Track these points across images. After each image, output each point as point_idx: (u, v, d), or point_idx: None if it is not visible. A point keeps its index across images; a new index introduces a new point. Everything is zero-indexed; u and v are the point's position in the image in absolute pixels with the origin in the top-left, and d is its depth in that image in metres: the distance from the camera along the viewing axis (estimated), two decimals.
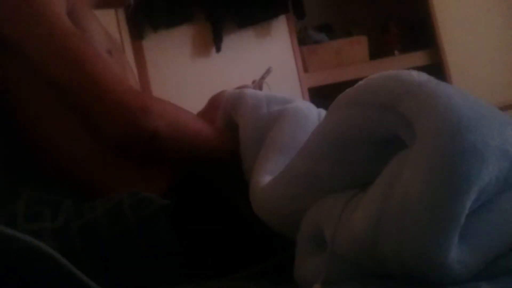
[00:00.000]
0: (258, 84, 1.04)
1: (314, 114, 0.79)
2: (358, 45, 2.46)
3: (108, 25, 1.89)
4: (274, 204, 0.59)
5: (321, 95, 1.93)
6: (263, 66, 1.10)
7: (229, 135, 0.84)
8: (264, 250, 0.67)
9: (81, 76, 0.72)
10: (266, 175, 0.67)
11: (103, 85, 0.72)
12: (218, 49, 2.32)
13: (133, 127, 0.72)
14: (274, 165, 0.69)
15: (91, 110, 0.73)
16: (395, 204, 0.41)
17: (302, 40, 2.48)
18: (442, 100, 0.42)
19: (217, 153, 0.82)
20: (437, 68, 2.41)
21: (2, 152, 0.79)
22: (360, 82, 0.50)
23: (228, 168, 0.81)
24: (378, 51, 2.55)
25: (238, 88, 1.02)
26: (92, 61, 0.73)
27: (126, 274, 0.67)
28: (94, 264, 0.63)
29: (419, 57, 2.45)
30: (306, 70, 2.39)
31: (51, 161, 0.80)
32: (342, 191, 0.52)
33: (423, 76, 0.46)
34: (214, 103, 0.96)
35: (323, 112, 0.81)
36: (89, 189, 0.78)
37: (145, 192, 0.70)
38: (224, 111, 0.87)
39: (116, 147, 0.76)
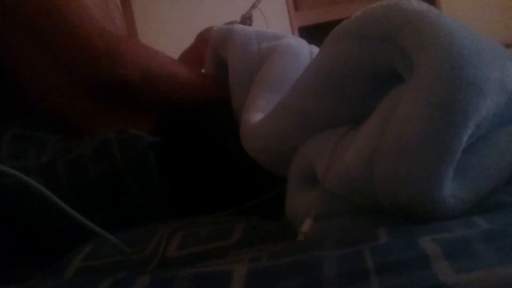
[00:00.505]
0: (249, 14, 1.00)
1: (305, 51, 0.77)
2: None
3: None
4: (265, 142, 0.58)
5: (312, 35, 1.88)
6: (251, 3, 1.06)
7: (214, 80, 0.82)
8: (254, 187, 0.67)
9: (54, 17, 0.70)
10: (257, 113, 0.66)
11: (76, 29, 0.69)
12: None
13: (103, 72, 0.70)
14: (265, 103, 0.67)
15: (63, 52, 0.71)
16: (389, 139, 0.40)
17: None
18: (443, 32, 0.40)
19: (198, 97, 0.80)
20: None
21: None
22: (357, 13, 0.48)
23: (217, 107, 0.80)
24: None
25: (225, 24, 0.99)
26: (67, 2, 0.71)
27: (115, 211, 0.67)
28: (82, 201, 0.63)
29: None
30: (296, 8, 2.33)
31: (34, 102, 0.78)
32: (336, 128, 0.51)
33: (423, 6, 0.43)
34: (202, 39, 0.93)
35: (315, 48, 0.79)
36: (73, 129, 0.76)
37: (132, 129, 0.69)
38: (212, 49, 0.85)
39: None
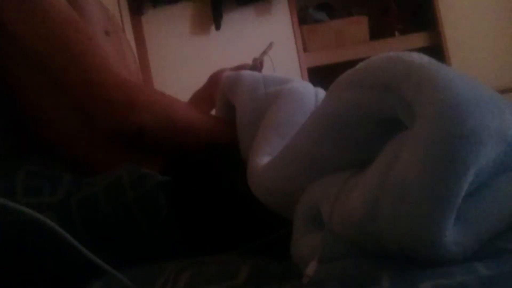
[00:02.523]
0: (260, 60, 1.04)
1: (311, 94, 0.79)
2: (359, 25, 2.44)
3: (108, 1, 1.87)
4: (272, 185, 0.60)
5: (320, 75, 1.92)
6: (263, 44, 1.10)
7: (224, 123, 0.84)
8: (260, 228, 0.68)
9: (72, 67, 0.72)
10: (264, 156, 0.67)
11: (93, 79, 0.72)
12: (218, 27, 2.31)
13: (119, 121, 0.72)
14: (271, 147, 0.69)
15: (81, 101, 0.73)
16: (393, 185, 0.41)
17: (303, 19, 2.46)
18: (443, 83, 0.42)
19: (211, 140, 0.82)
20: (436, 50, 2.40)
21: (3, 127, 0.79)
22: (361, 64, 0.50)
23: (226, 149, 0.81)
24: (378, 32, 2.53)
25: (237, 66, 1.02)
26: (84, 52, 0.73)
27: (125, 249, 0.68)
28: (93, 238, 0.64)
29: (419, 39, 2.44)
30: (305, 49, 2.38)
31: (50, 143, 0.80)
32: (341, 171, 0.52)
33: (424, 58, 0.46)
34: (214, 80, 0.96)
35: (320, 91, 0.81)
36: (86, 167, 0.78)
37: (143, 168, 0.70)
38: (221, 94, 0.87)
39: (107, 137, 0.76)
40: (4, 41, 0.76)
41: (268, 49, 1.06)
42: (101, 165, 0.77)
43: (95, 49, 0.75)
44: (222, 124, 0.85)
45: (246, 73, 0.84)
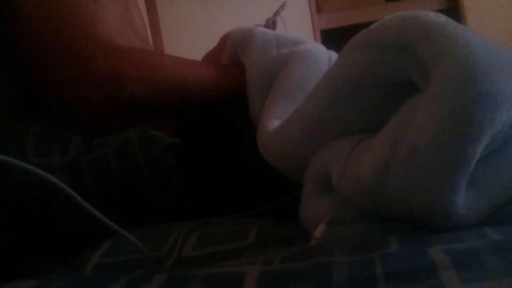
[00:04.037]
0: (272, 20, 1.02)
1: (324, 57, 0.78)
2: None
3: None
4: (282, 148, 0.59)
5: (334, 38, 1.88)
6: (276, 6, 1.07)
7: (234, 66, 0.82)
8: (269, 191, 0.68)
9: (61, 37, 0.71)
10: (274, 119, 0.66)
11: (80, 51, 0.70)
12: None
13: (109, 94, 0.71)
14: (282, 109, 0.68)
15: (70, 73, 0.72)
16: (404, 148, 0.41)
17: None
18: (460, 44, 0.40)
19: (221, 87, 0.80)
20: (453, 12, 2.34)
21: (11, 90, 0.79)
22: (376, 23, 0.48)
23: (235, 110, 0.81)
24: None
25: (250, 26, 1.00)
26: (72, 21, 0.72)
27: (135, 211, 0.68)
28: (103, 199, 0.65)
29: (435, 1, 2.38)
30: (319, 11, 2.32)
31: (60, 101, 0.80)
32: (352, 135, 0.51)
33: (441, 18, 0.44)
34: (225, 43, 0.94)
35: (333, 54, 0.79)
36: (93, 131, 0.78)
37: (153, 130, 0.70)
38: (231, 49, 0.85)
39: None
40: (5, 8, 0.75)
41: (281, 9, 1.03)
42: (107, 130, 0.77)
43: (86, 16, 0.73)
44: (234, 68, 0.83)
45: (258, 30, 0.82)
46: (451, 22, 0.43)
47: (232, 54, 0.84)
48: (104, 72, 0.71)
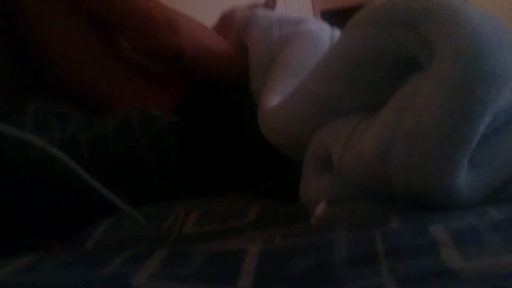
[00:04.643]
0: None
1: (327, 35, 0.78)
2: None
3: None
4: (283, 126, 0.59)
5: (334, 19, 1.87)
6: None
7: (242, 55, 0.83)
8: (270, 170, 0.68)
9: None
10: (275, 96, 0.66)
11: (134, 3, 0.73)
12: None
13: (159, 43, 0.73)
14: (283, 87, 0.68)
15: (117, 22, 0.74)
16: (407, 127, 0.40)
17: None
18: (464, 21, 0.40)
19: (235, 73, 0.82)
20: None
21: (9, 64, 0.78)
22: (379, 0, 0.48)
23: (237, 88, 0.81)
24: None
25: (250, 5, 0.99)
26: None
27: (134, 189, 0.68)
28: (103, 177, 0.65)
29: None
30: None
31: (59, 73, 0.79)
32: (353, 113, 0.51)
33: None
34: (226, 21, 0.94)
35: (336, 32, 0.79)
36: (96, 102, 0.78)
37: (153, 108, 0.70)
38: (235, 33, 0.85)
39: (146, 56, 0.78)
40: None
41: None
42: (114, 100, 0.77)
43: None
44: (241, 53, 0.85)
45: (261, 13, 0.82)
46: (455, 0, 0.43)
47: (236, 39, 0.85)
48: (160, 19, 0.73)
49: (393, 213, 0.39)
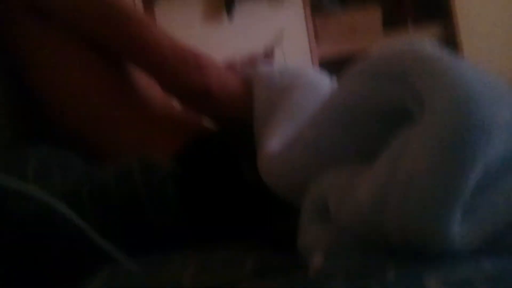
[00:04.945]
0: (271, 47, 1.05)
1: (325, 84, 0.80)
2: (372, 15, 2.42)
3: None
4: (281, 172, 0.60)
5: (332, 66, 1.91)
6: (275, 34, 1.09)
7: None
8: (269, 216, 0.68)
9: (140, 30, 0.76)
10: (274, 142, 0.67)
11: (161, 38, 0.77)
12: (230, 17, 2.30)
13: (188, 82, 0.77)
14: (283, 133, 0.69)
15: (146, 62, 0.77)
16: (401, 177, 0.41)
17: (315, 9, 2.44)
18: (453, 74, 0.41)
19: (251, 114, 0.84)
20: (450, 40, 2.37)
21: (13, 111, 0.80)
22: (373, 53, 0.49)
23: (238, 135, 0.82)
24: (391, 22, 2.51)
25: (249, 56, 1.02)
26: (145, 19, 0.80)
27: (134, 239, 0.68)
28: (103, 227, 0.65)
29: (432, 29, 2.42)
30: (318, 40, 2.36)
31: (63, 120, 0.81)
32: (350, 161, 0.52)
33: (435, 48, 0.45)
34: (229, 68, 0.96)
35: (335, 81, 0.81)
36: (99, 149, 0.79)
37: (154, 155, 0.71)
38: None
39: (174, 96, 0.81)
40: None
41: (279, 35, 1.06)
42: (116, 146, 0.78)
43: (154, 23, 0.79)
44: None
45: (262, 68, 0.86)
46: (444, 53, 0.45)
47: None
48: (189, 59, 0.77)
49: (389, 263, 0.40)
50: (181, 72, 0.76)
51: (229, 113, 0.83)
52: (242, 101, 0.83)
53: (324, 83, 0.79)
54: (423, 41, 0.48)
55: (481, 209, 0.40)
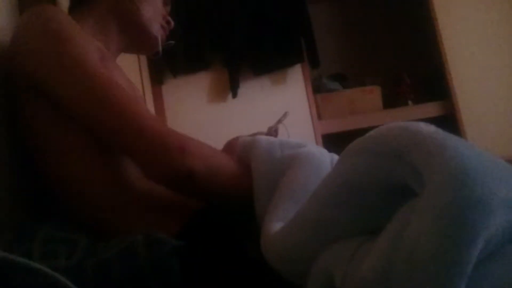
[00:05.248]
0: (274, 128, 1.07)
1: (327, 160, 0.81)
2: (372, 94, 2.48)
3: (130, 70, 1.96)
4: (284, 252, 0.60)
5: (334, 142, 1.95)
6: (278, 113, 1.13)
7: (248, 174, 0.85)
8: None
9: (122, 118, 0.75)
10: (277, 222, 0.68)
11: (144, 125, 0.75)
12: (235, 95, 2.37)
13: (171, 166, 0.75)
14: (285, 212, 0.70)
15: (130, 149, 0.76)
16: (404, 253, 0.42)
17: (317, 88, 2.52)
18: (449, 152, 0.43)
19: (243, 191, 0.83)
20: (450, 119, 2.41)
21: (21, 189, 0.82)
22: (370, 132, 0.52)
23: (240, 211, 0.82)
24: (391, 101, 2.57)
25: (252, 134, 1.05)
26: (131, 104, 0.77)
27: None
28: None
29: (432, 108, 2.46)
30: (320, 117, 2.42)
31: (69, 199, 0.82)
32: (352, 238, 0.53)
33: (430, 128, 0.47)
34: (229, 149, 0.98)
35: (335, 156, 0.82)
36: (104, 228, 0.80)
37: (159, 232, 0.71)
38: (238, 155, 0.89)
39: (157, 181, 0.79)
40: (34, 96, 0.79)
41: (283, 118, 1.09)
42: (120, 225, 0.78)
43: (139, 103, 0.79)
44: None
45: (262, 137, 0.87)
46: (440, 132, 0.47)
47: (240, 160, 0.88)
48: (174, 145, 0.75)
49: None
50: (163, 156, 0.74)
51: (219, 191, 0.81)
52: (234, 179, 0.82)
53: (324, 157, 0.81)
54: (417, 122, 0.50)
55: (484, 281, 0.40)
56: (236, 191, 0.82)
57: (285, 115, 1.09)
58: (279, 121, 1.08)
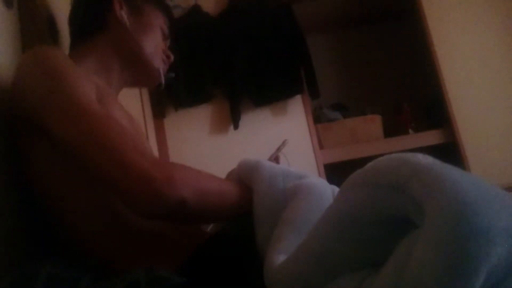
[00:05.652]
0: (274, 156, 1.07)
1: (328, 191, 0.81)
2: (372, 123, 2.49)
3: (132, 105, 1.98)
4: (288, 285, 0.60)
5: (336, 171, 1.95)
6: (277, 142, 1.14)
7: (247, 192, 0.85)
8: None
9: (103, 153, 0.74)
10: (280, 254, 0.68)
11: (125, 161, 0.73)
12: (236, 127, 2.39)
13: (160, 199, 0.72)
14: (288, 245, 0.70)
15: (117, 184, 0.73)
16: (407, 284, 0.42)
17: (318, 118, 2.54)
18: (448, 182, 0.43)
19: (243, 206, 0.83)
20: (451, 147, 2.41)
21: (24, 227, 0.82)
22: (370, 163, 0.52)
23: (242, 243, 0.82)
24: (392, 130, 2.57)
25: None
26: (116, 139, 0.75)
27: None
28: None
29: (433, 136, 2.46)
30: (321, 147, 2.43)
31: (70, 237, 0.82)
32: (356, 270, 0.52)
33: (428, 159, 0.48)
34: (232, 178, 0.98)
35: (336, 188, 0.83)
36: (107, 265, 0.79)
37: (161, 267, 0.71)
38: (238, 179, 0.89)
39: (144, 216, 0.77)
40: (32, 134, 0.80)
41: (282, 146, 1.09)
42: (121, 263, 0.78)
43: (129, 136, 0.77)
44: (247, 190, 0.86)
45: (266, 162, 0.87)
46: (438, 163, 0.47)
47: (240, 180, 0.88)
48: (159, 177, 0.72)
49: None
50: (149, 192, 0.71)
51: (212, 213, 0.81)
52: (227, 199, 0.82)
53: (325, 188, 0.81)
54: (415, 153, 0.50)
55: None
56: (230, 210, 0.82)
57: (284, 143, 1.10)
58: (278, 149, 1.09)
